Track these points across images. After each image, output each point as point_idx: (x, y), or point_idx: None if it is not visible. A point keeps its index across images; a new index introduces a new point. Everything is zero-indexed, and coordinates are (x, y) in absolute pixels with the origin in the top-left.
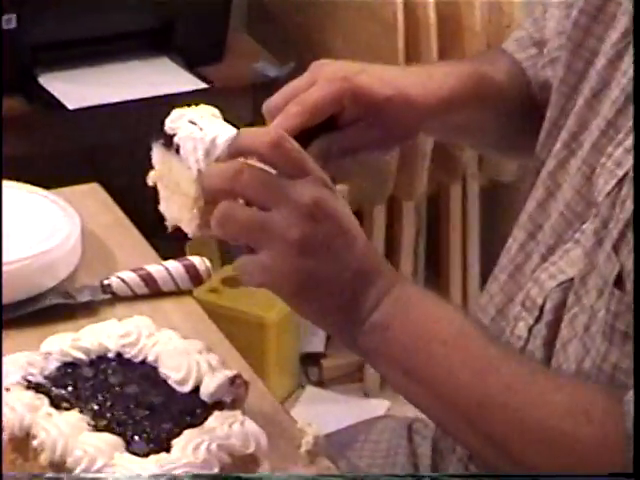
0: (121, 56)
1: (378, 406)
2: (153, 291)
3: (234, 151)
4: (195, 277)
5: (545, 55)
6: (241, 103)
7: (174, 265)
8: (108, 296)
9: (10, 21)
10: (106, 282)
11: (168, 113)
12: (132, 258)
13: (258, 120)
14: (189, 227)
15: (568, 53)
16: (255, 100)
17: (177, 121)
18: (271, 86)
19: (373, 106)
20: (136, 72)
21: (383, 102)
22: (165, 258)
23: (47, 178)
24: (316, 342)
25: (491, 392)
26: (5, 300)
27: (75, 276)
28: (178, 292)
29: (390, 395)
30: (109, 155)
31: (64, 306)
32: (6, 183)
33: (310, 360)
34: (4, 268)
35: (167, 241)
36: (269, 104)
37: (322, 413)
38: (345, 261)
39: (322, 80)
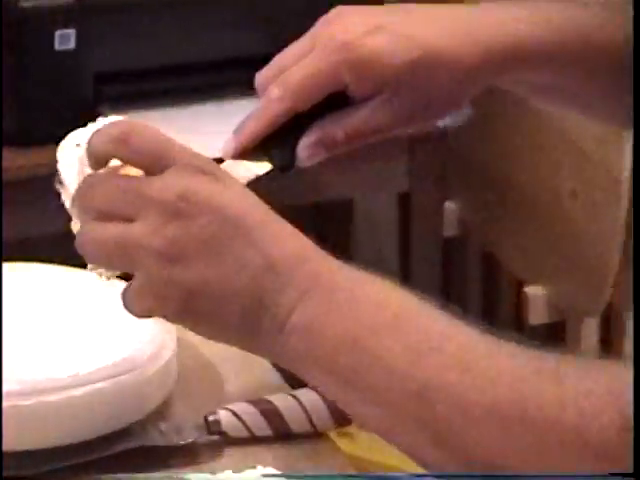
0: (217, 93)
1: None
2: (278, 432)
3: (90, 162)
4: (338, 414)
5: None
6: (392, 162)
7: (309, 396)
8: (215, 437)
9: (66, 39)
10: (212, 417)
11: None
12: (248, 383)
13: (415, 184)
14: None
15: None
16: (412, 158)
17: (64, 147)
18: (438, 139)
19: (388, 76)
20: (238, 115)
21: (404, 69)
22: (294, 384)
23: None
24: None
25: (431, 376)
26: (73, 438)
27: (169, 407)
28: (313, 434)
29: None
30: None
31: (155, 449)
32: (71, 271)
33: None
34: (70, 392)
35: None
36: (258, 79)
37: None
38: (240, 258)
39: (319, 48)
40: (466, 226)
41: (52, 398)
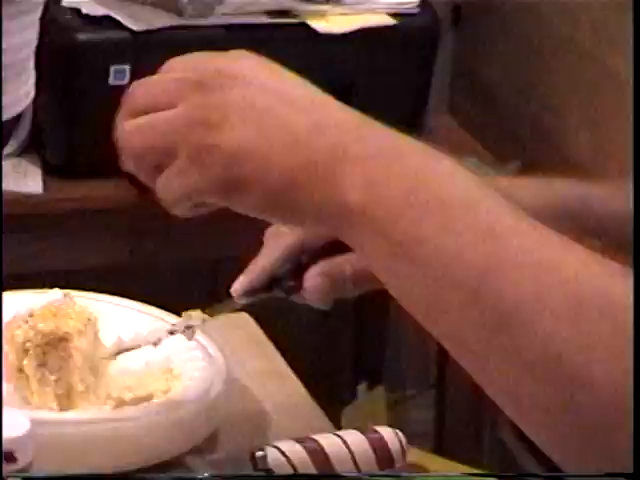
0: None
1: None
2: (322, 471)
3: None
4: (384, 458)
5: None
6: None
7: (356, 437)
8: (261, 474)
9: (121, 74)
10: (259, 454)
11: None
12: (294, 422)
13: None
14: None
15: None
16: None
17: None
18: None
19: None
20: None
21: None
22: (339, 425)
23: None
24: None
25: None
26: (126, 466)
27: (216, 442)
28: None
29: None
30: None
31: None
32: (120, 301)
33: None
34: (123, 424)
35: (343, 400)
36: None
37: None
38: (283, 122)
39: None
40: None
41: (108, 427)
